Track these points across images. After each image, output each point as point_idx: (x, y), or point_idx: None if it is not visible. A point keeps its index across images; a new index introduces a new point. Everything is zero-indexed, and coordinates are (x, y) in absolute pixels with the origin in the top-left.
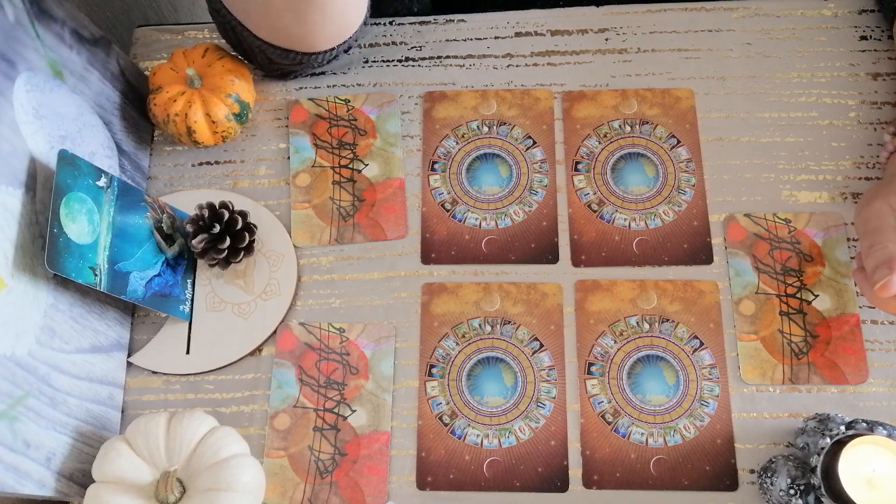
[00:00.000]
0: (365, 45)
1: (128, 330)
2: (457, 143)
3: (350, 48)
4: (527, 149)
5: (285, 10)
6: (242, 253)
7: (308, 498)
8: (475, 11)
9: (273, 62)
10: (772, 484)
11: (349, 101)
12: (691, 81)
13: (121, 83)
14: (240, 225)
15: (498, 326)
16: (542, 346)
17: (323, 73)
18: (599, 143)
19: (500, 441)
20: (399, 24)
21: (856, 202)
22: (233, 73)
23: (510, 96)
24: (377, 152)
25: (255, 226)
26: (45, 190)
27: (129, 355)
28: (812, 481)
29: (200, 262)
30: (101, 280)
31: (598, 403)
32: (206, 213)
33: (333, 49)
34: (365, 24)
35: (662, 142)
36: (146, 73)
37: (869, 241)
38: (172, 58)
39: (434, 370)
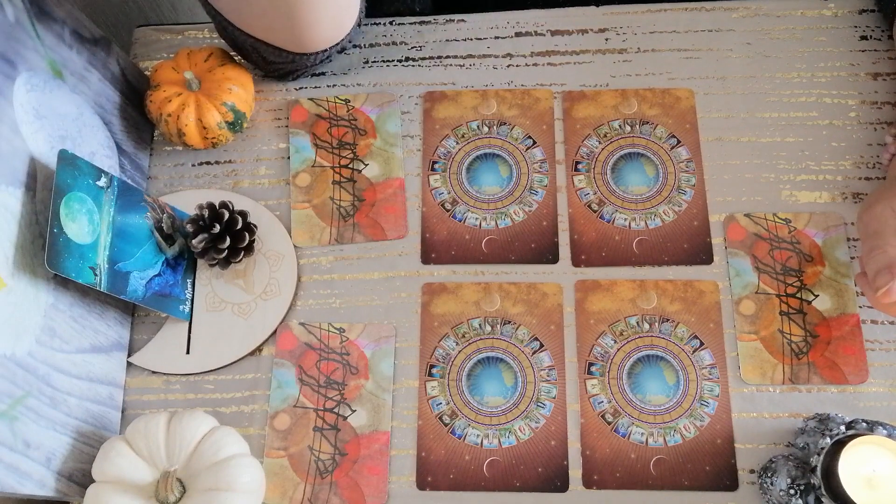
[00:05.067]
0: (365, 45)
1: (128, 330)
2: (457, 143)
3: (344, 49)
4: (527, 149)
5: (275, 12)
6: (242, 253)
7: (308, 498)
8: (475, 11)
9: (268, 61)
10: (772, 484)
11: (349, 101)
12: (691, 81)
13: (121, 83)
14: (240, 225)
15: (498, 326)
16: (542, 346)
17: (323, 73)
18: (599, 143)
19: (500, 441)
20: (399, 24)
21: (856, 202)
22: (232, 81)
23: (510, 96)
24: (377, 152)
25: (255, 226)
26: (45, 190)
27: (129, 355)
28: (812, 481)
29: (200, 262)
30: (101, 280)
31: (598, 403)
32: (206, 213)
33: (326, 50)
34: (359, 25)
35: (662, 142)
36: (146, 73)
37: (870, 245)
38: (176, 57)
39: (434, 370)
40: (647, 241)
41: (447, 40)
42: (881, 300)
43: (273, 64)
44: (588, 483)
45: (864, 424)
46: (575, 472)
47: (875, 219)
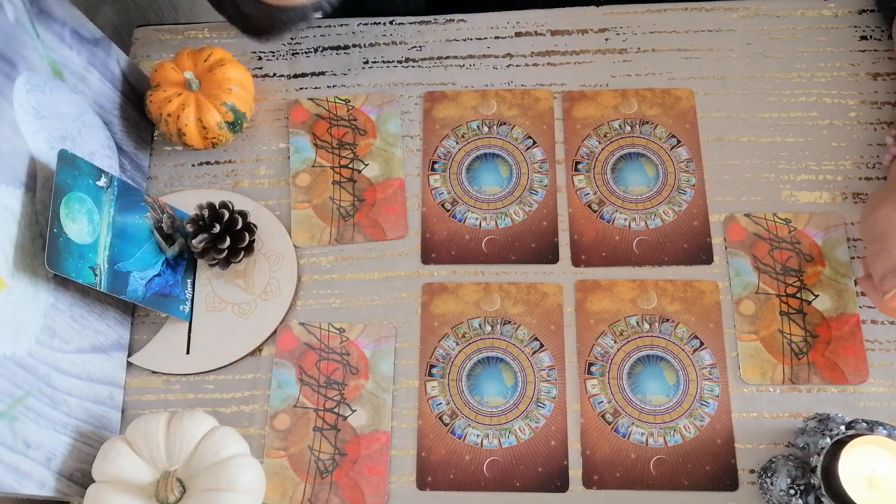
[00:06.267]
0: (365, 44)
1: (128, 330)
2: (457, 143)
3: (321, 8)
4: (527, 149)
5: None
6: (242, 253)
7: (308, 498)
8: (470, 11)
9: (243, 14)
10: (772, 484)
11: (349, 101)
12: (691, 81)
13: (121, 83)
14: (240, 225)
15: (498, 326)
16: (542, 346)
17: (323, 73)
18: (599, 142)
19: (500, 441)
20: (399, 24)
21: (856, 202)
22: (233, 82)
23: (510, 96)
24: (377, 152)
25: (255, 226)
26: (45, 190)
27: (129, 355)
28: (812, 481)
29: (200, 262)
30: (101, 280)
31: (598, 403)
32: (206, 213)
33: (303, 6)
34: None
35: (662, 142)
36: (146, 73)
37: (876, 248)
38: (177, 57)
39: (434, 370)
40: (647, 241)
41: (447, 40)
42: (889, 303)
43: (249, 18)
44: (588, 483)
45: (864, 424)
46: (575, 472)
47: (880, 222)
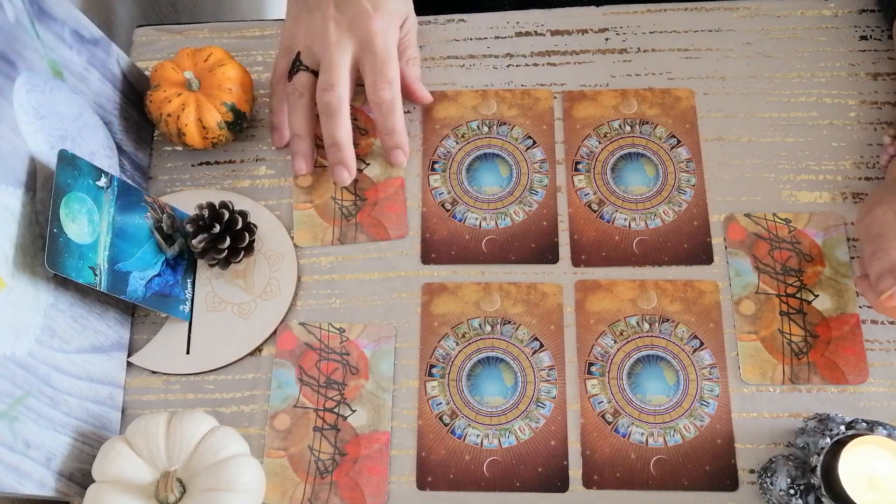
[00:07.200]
0: None
1: (128, 330)
2: (457, 143)
3: None
4: (527, 149)
5: None
6: (242, 253)
7: (308, 498)
8: (475, 11)
9: None
10: (772, 484)
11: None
12: (691, 81)
13: (121, 83)
14: (240, 225)
15: (498, 326)
16: (542, 346)
17: None
18: (599, 142)
19: (500, 441)
20: None
21: (856, 202)
22: (233, 82)
23: (510, 96)
24: (378, 151)
25: (255, 226)
26: (45, 190)
27: (129, 355)
28: (812, 481)
29: (200, 262)
30: (101, 280)
31: (598, 403)
32: (206, 213)
33: None
34: None
35: (662, 142)
36: (146, 73)
37: (872, 248)
38: (177, 57)
39: (434, 370)
40: (647, 241)
41: (447, 40)
42: (885, 304)
43: None
44: (588, 483)
45: (864, 424)
46: (575, 472)
47: (876, 221)
